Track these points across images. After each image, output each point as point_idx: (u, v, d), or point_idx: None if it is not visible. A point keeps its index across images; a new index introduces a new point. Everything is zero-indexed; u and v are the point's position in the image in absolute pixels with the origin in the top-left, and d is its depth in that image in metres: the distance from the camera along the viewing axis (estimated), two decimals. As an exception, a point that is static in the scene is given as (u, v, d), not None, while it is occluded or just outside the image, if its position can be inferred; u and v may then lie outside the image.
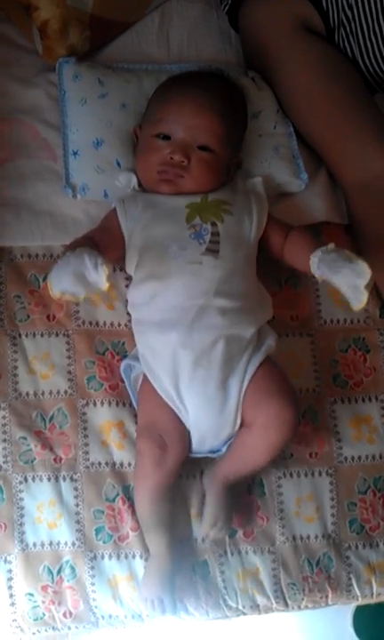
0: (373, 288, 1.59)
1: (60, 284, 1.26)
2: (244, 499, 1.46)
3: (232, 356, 1.37)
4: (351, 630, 2.06)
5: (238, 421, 1.38)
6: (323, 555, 1.47)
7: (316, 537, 1.47)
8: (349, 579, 1.47)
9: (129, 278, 1.49)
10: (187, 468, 1.45)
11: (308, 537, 1.47)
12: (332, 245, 1.35)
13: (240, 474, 1.41)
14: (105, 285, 1.25)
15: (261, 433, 1.35)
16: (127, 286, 1.49)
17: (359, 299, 1.31)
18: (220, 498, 1.39)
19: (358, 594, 1.48)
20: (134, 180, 1.50)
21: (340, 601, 1.49)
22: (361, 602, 1.51)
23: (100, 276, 1.24)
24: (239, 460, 1.39)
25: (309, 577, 1.46)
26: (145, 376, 1.40)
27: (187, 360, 1.36)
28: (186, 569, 1.42)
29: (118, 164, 1.54)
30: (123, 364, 1.46)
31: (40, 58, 1.66)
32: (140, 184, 1.50)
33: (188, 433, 1.38)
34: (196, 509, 1.44)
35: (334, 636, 2.07)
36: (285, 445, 1.39)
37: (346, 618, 2.07)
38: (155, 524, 1.38)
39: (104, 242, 1.41)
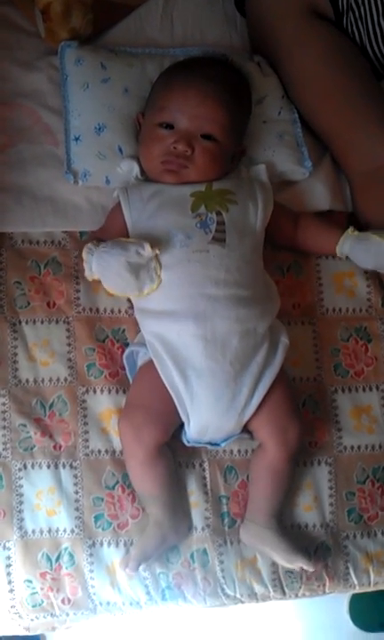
0: (376, 277, 1.59)
1: (117, 285, 1.35)
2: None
3: (246, 351, 1.37)
4: (347, 617, 2.08)
5: (244, 421, 1.38)
6: (321, 543, 1.47)
7: (314, 526, 1.47)
8: (347, 568, 1.47)
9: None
10: (185, 457, 1.45)
11: (306, 526, 1.47)
12: (352, 229, 1.49)
13: (277, 502, 1.42)
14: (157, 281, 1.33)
15: (275, 451, 1.39)
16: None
17: None
18: (283, 539, 1.40)
19: (356, 583, 1.48)
20: (136, 168, 1.49)
21: (337, 589, 1.49)
22: (358, 590, 1.51)
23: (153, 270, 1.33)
24: (269, 491, 1.41)
25: (307, 566, 1.46)
26: (149, 361, 1.40)
27: (198, 350, 1.36)
28: (185, 556, 1.43)
29: (120, 150, 1.52)
30: (127, 351, 1.46)
31: (42, 41, 1.64)
32: (142, 171, 1.49)
33: (176, 419, 1.38)
34: (194, 498, 1.45)
35: (331, 623, 2.09)
36: (298, 456, 1.44)
37: (342, 605, 2.09)
38: (149, 496, 1.39)
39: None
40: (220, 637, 2.01)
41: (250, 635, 2.03)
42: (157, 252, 1.33)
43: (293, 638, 2.06)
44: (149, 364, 1.39)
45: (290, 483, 1.44)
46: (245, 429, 1.41)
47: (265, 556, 1.44)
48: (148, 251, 1.31)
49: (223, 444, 1.41)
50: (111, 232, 1.45)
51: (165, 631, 1.97)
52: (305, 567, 1.39)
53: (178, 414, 1.38)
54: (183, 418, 1.38)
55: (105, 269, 1.34)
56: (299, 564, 1.39)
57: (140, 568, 1.39)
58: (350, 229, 1.49)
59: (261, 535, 1.41)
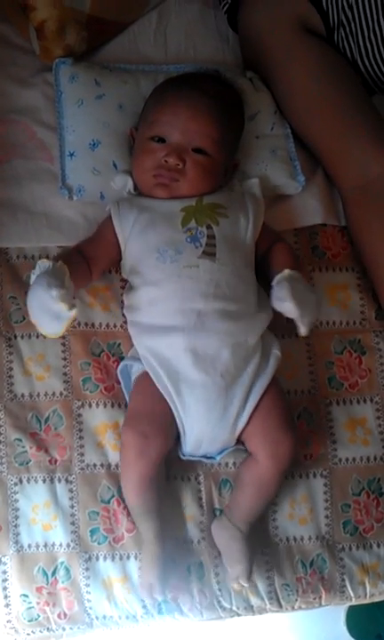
0: (369, 290, 1.60)
1: (43, 324, 1.31)
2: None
3: (237, 363, 1.38)
4: (344, 629, 2.07)
5: (237, 432, 1.39)
6: (316, 556, 1.47)
7: (310, 538, 1.47)
8: (343, 580, 1.47)
9: (124, 280, 1.49)
10: (181, 470, 1.45)
11: (302, 538, 1.47)
12: (288, 272, 1.42)
13: (257, 510, 1.42)
14: (70, 315, 1.28)
15: (266, 463, 1.38)
16: (123, 287, 1.50)
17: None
18: (245, 544, 1.40)
19: (352, 595, 1.48)
20: (130, 183, 1.49)
21: (333, 602, 1.49)
22: (354, 602, 1.51)
23: (61, 309, 1.27)
24: (252, 498, 1.41)
25: (303, 578, 1.46)
26: (145, 372, 1.40)
27: (189, 364, 1.36)
28: (181, 570, 1.43)
29: (115, 166, 1.53)
30: (120, 365, 1.46)
31: (37, 58, 1.65)
32: (135, 186, 1.50)
33: (176, 429, 1.38)
34: (190, 511, 1.45)
35: (328, 635, 2.08)
36: (286, 473, 1.43)
37: (339, 617, 2.08)
38: (142, 513, 1.39)
39: (95, 253, 1.44)
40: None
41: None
42: (72, 311, 1.28)
43: (290, 651, 2.05)
44: (145, 376, 1.40)
45: (274, 494, 1.44)
46: (240, 441, 1.41)
47: (260, 567, 1.44)
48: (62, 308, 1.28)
49: (218, 458, 1.41)
50: (100, 245, 1.45)
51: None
52: (240, 581, 1.39)
53: (176, 425, 1.38)
54: (180, 430, 1.38)
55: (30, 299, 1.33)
56: (236, 573, 1.39)
57: (157, 590, 1.39)
58: (286, 271, 1.42)
59: (229, 532, 1.41)
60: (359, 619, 2.07)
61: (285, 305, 1.38)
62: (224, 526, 1.42)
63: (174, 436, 1.39)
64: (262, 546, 1.45)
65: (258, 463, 1.39)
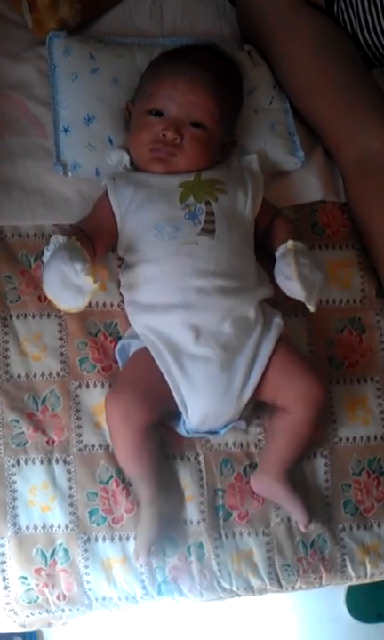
0: (370, 268, 1.59)
1: (62, 299, 1.29)
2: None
3: (239, 336, 1.37)
4: (344, 608, 2.08)
5: (242, 405, 1.38)
6: (317, 536, 1.46)
7: (311, 518, 1.47)
8: (343, 560, 1.47)
9: (121, 258, 1.47)
10: (180, 450, 1.44)
11: (303, 518, 1.47)
12: (292, 243, 1.39)
13: (291, 459, 1.41)
14: (94, 287, 1.27)
15: (295, 414, 1.37)
16: (119, 266, 1.48)
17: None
18: (289, 488, 1.40)
19: (352, 575, 1.48)
20: (126, 158, 1.48)
21: (333, 582, 1.48)
22: (355, 582, 1.50)
23: (85, 282, 1.26)
24: (287, 447, 1.40)
25: (303, 558, 1.45)
26: (142, 348, 1.39)
27: (190, 339, 1.35)
28: (181, 550, 1.42)
29: (110, 141, 1.51)
30: (119, 345, 1.45)
31: (30, 32, 1.63)
32: (132, 162, 1.48)
33: (164, 403, 1.37)
34: (190, 491, 1.44)
35: (328, 615, 2.09)
36: (321, 419, 1.42)
37: (339, 596, 2.09)
38: (137, 477, 1.38)
39: (95, 231, 1.41)
40: (216, 631, 2.00)
41: (246, 627, 2.02)
42: (95, 284, 1.28)
43: (290, 630, 2.05)
44: (143, 351, 1.38)
45: (308, 444, 1.43)
46: (242, 417, 1.40)
47: (261, 548, 1.44)
48: (86, 282, 1.27)
49: (222, 432, 1.40)
50: (97, 222, 1.44)
51: (161, 623, 1.97)
52: (300, 522, 1.42)
53: (170, 400, 1.37)
54: (180, 407, 1.37)
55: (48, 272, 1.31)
56: (298, 516, 1.41)
57: (151, 552, 1.38)
58: (290, 242, 1.40)
59: (272, 487, 1.41)
60: (359, 599, 2.08)
61: (291, 285, 1.37)
62: (264, 484, 1.43)
63: (164, 407, 1.38)
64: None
65: (290, 413, 1.38)
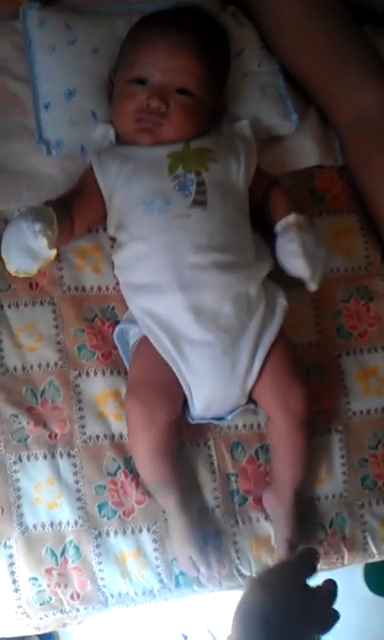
0: (373, 233, 1.55)
1: (14, 260, 1.28)
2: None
3: (240, 317, 1.33)
4: (363, 583, 2.11)
5: (248, 389, 1.35)
6: (336, 515, 1.44)
7: (327, 497, 1.45)
8: (365, 537, 1.45)
9: (113, 239, 1.42)
10: (192, 436, 1.42)
11: (319, 498, 1.45)
12: (294, 217, 1.38)
13: (293, 476, 1.39)
14: (50, 253, 1.25)
15: (277, 424, 1.36)
16: (112, 247, 1.43)
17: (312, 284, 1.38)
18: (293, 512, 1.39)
19: (375, 552, 1.46)
20: (111, 133, 1.43)
21: (356, 560, 1.47)
22: (378, 559, 1.48)
23: (41, 245, 1.24)
24: (280, 460, 1.39)
25: (324, 539, 1.43)
26: (143, 337, 1.35)
27: (190, 322, 1.31)
28: (199, 539, 1.39)
29: (94, 115, 1.46)
30: (116, 330, 1.41)
31: (1, 4, 1.56)
32: (118, 136, 1.42)
33: (182, 393, 1.34)
34: (202, 478, 1.41)
35: (346, 589, 2.04)
36: (304, 431, 1.38)
37: (357, 571, 2.10)
38: (159, 485, 1.36)
39: (79, 204, 1.37)
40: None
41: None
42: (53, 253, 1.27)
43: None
44: (145, 339, 1.35)
45: (306, 451, 1.39)
46: (251, 400, 1.38)
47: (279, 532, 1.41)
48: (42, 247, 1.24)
49: (229, 417, 1.37)
50: (83, 198, 1.39)
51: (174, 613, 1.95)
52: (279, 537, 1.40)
53: (182, 388, 1.34)
54: (186, 393, 1.34)
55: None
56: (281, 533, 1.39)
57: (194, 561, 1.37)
58: (292, 216, 1.38)
59: (274, 508, 1.40)
60: (378, 573, 2.09)
61: (295, 262, 1.35)
62: (270, 502, 1.41)
63: (181, 401, 1.35)
64: (309, 525, 1.44)
65: (275, 423, 1.37)
